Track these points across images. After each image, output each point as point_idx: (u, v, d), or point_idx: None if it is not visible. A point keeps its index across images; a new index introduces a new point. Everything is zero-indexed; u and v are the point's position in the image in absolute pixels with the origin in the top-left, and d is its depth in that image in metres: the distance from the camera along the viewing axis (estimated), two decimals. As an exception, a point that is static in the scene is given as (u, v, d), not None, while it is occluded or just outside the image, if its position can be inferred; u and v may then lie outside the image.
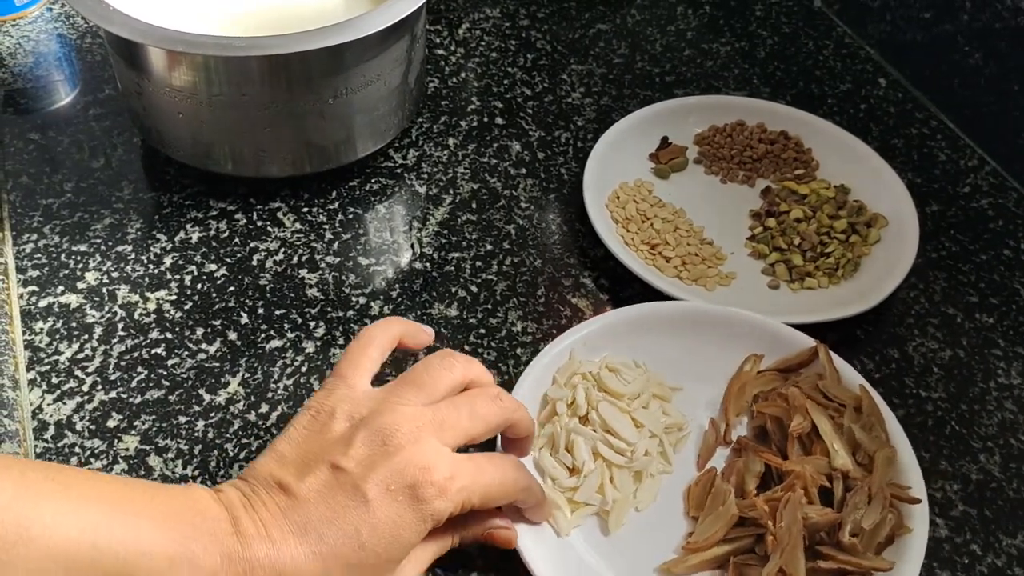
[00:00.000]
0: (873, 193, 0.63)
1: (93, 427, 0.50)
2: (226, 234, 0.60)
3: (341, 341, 0.55)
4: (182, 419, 0.50)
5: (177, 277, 0.57)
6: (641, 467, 0.48)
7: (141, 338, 0.54)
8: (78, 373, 0.52)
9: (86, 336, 0.54)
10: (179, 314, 0.55)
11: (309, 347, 0.54)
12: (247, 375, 0.53)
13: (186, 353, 0.53)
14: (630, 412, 0.49)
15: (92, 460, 0.48)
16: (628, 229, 0.61)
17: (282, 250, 0.60)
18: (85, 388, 0.51)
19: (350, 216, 0.62)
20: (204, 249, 0.59)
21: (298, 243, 0.60)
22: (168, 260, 0.58)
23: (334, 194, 0.63)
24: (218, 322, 0.55)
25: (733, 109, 0.69)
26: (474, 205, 0.64)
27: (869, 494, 0.44)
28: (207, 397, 0.51)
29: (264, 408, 0.51)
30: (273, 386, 0.52)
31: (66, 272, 0.57)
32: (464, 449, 0.42)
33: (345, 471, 0.38)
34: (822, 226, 0.60)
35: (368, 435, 0.39)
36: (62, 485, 0.35)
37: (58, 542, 0.33)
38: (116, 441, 0.49)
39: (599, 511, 0.47)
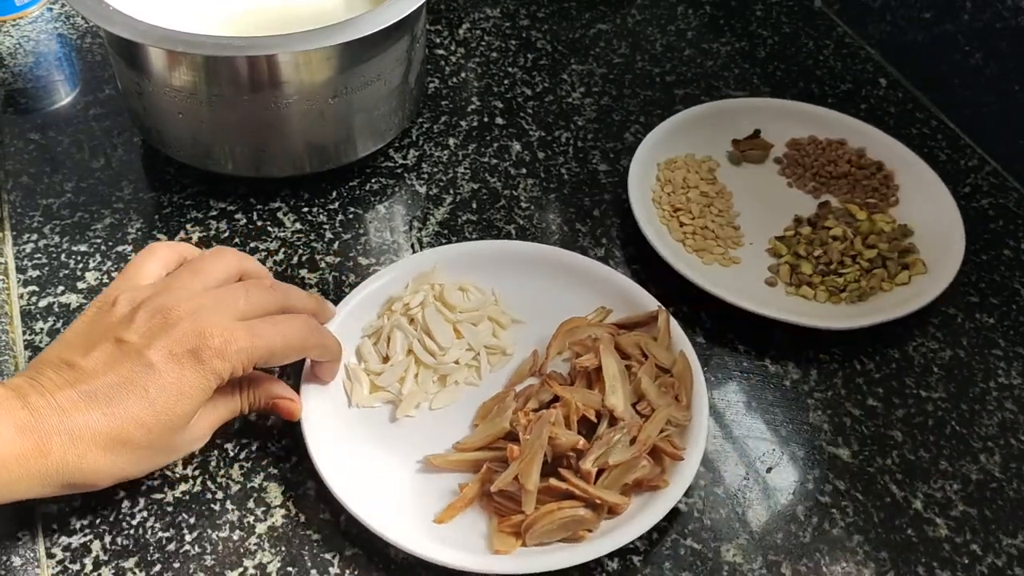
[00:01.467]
0: (933, 249, 0.60)
1: (93, 427, 0.50)
2: (226, 234, 0.60)
3: (341, 341, 0.55)
4: (182, 419, 0.50)
5: (177, 277, 0.57)
6: (447, 372, 0.51)
7: (141, 338, 0.54)
8: (78, 373, 0.52)
9: (86, 336, 0.54)
10: (179, 314, 0.55)
11: (309, 347, 0.54)
12: (247, 375, 0.53)
13: (186, 353, 0.53)
14: (455, 323, 0.53)
15: (92, 460, 0.48)
16: (664, 189, 0.63)
17: (282, 250, 0.60)
18: (85, 388, 0.51)
19: (350, 216, 0.62)
20: (204, 249, 0.59)
21: (298, 243, 0.60)
22: (168, 260, 0.58)
23: (334, 194, 0.63)
24: (218, 322, 0.55)
25: (841, 128, 0.68)
26: (474, 205, 0.64)
27: (632, 438, 0.46)
28: (207, 397, 0.51)
29: (264, 408, 0.51)
30: (273, 386, 0.52)
31: (66, 272, 0.57)
32: None
33: (128, 343, 0.41)
34: (851, 249, 0.59)
35: (149, 312, 0.42)
36: None
37: None
38: (116, 441, 0.49)
39: (394, 399, 0.50)
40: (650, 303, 0.53)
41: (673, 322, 0.52)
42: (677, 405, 0.48)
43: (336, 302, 0.56)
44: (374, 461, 0.48)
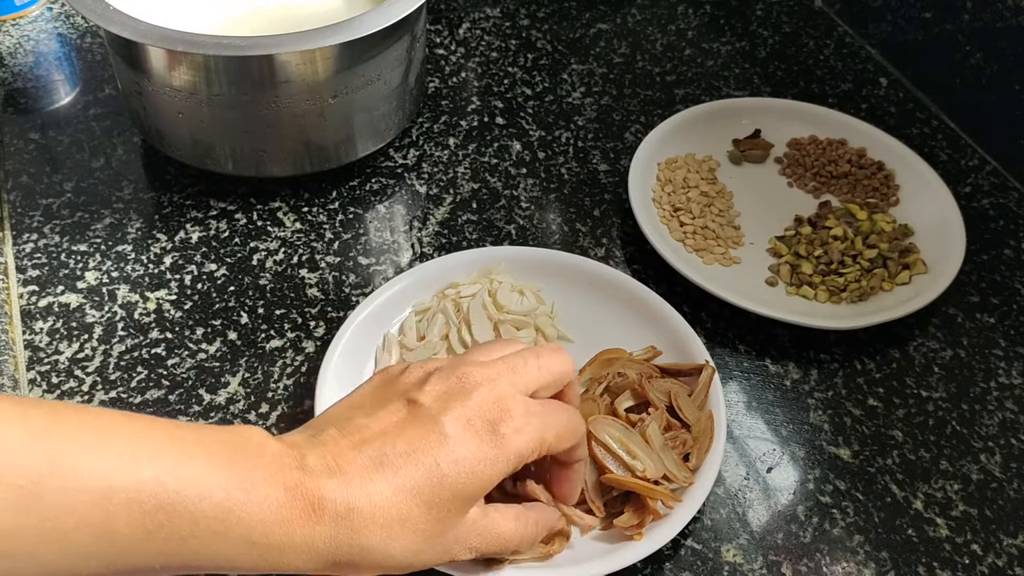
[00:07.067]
0: (933, 249, 0.60)
1: (93, 427, 0.50)
2: (226, 234, 0.60)
3: (341, 341, 0.55)
4: (182, 419, 0.50)
5: (177, 277, 0.57)
6: None
7: (141, 338, 0.54)
8: (78, 373, 0.52)
9: (86, 336, 0.54)
10: (179, 314, 0.55)
11: (309, 347, 0.54)
12: (247, 375, 0.53)
13: (186, 353, 0.53)
14: (496, 321, 0.53)
15: (92, 460, 0.48)
16: (664, 189, 0.63)
17: (282, 250, 0.60)
18: (85, 388, 0.51)
19: (350, 216, 0.62)
20: (204, 249, 0.59)
21: (298, 243, 0.60)
22: (168, 260, 0.58)
23: (334, 194, 0.63)
24: (218, 322, 0.55)
25: (841, 128, 0.68)
26: (474, 205, 0.64)
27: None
28: (207, 397, 0.51)
29: (264, 408, 0.51)
30: (273, 386, 0.52)
31: (66, 272, 0.57)
32: None
33: (422, 405, 0.36)
34: (852, 248, 0.59)
35: (444, 376, 0.38)
36: (93, 419, 0.32)
37: (94, 474, 0.30)
38: (116, 441, 0.49)
39: None
40: (700, 355, 0.51)
41: (716, 382, 0.49)
42: (676, 461, 0.45)
43: (336, 304, 0.56)
44: None
